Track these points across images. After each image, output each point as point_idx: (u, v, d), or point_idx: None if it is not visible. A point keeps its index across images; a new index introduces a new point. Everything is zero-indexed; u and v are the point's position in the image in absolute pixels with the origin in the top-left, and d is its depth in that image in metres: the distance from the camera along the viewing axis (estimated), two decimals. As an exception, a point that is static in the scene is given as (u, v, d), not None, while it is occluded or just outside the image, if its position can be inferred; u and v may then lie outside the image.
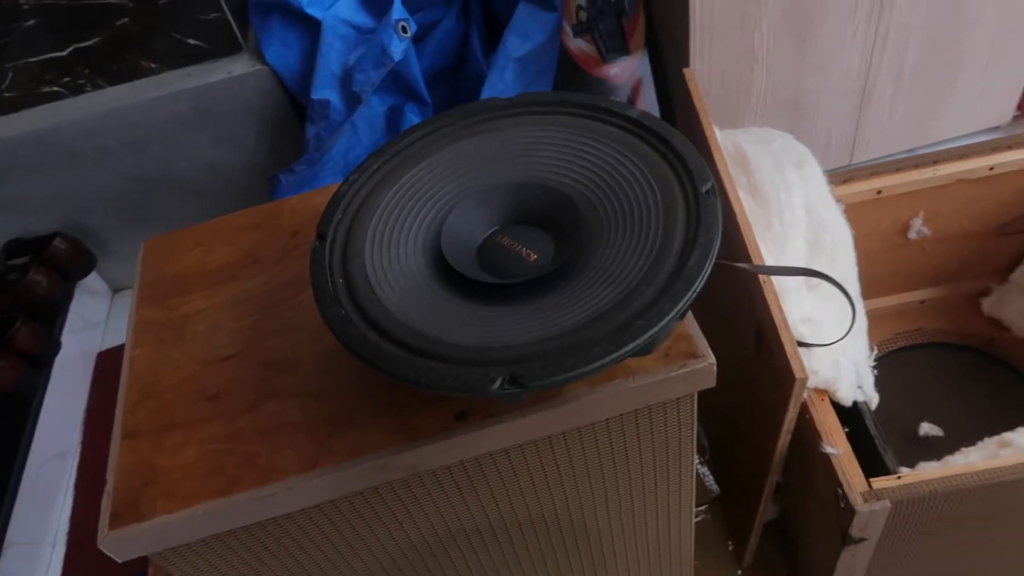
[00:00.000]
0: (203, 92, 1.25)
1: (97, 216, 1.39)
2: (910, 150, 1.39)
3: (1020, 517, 0.75)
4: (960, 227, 1.06)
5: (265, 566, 0.62)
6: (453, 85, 1.32)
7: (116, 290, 1.57)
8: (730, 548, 1.02)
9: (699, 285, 0.48)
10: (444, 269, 0.54)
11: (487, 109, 0.62)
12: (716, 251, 0.49)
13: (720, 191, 0.63)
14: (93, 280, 1.51)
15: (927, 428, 1.04)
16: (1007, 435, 0.75)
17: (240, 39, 1.25)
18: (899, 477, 0.73)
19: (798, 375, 0.68)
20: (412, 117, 1.23)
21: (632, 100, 1.40)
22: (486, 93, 1.22)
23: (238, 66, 1.25)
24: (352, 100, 1.14)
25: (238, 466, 0.56)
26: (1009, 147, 0.97)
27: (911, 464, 0.95)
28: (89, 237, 1.42)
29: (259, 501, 0.54)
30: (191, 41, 1.24)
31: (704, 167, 0.53)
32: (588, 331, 0.47)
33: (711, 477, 1.08)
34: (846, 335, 0.74)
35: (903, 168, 0.97)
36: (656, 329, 0.46)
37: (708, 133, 0.91)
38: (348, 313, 0.51)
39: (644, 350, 0.46)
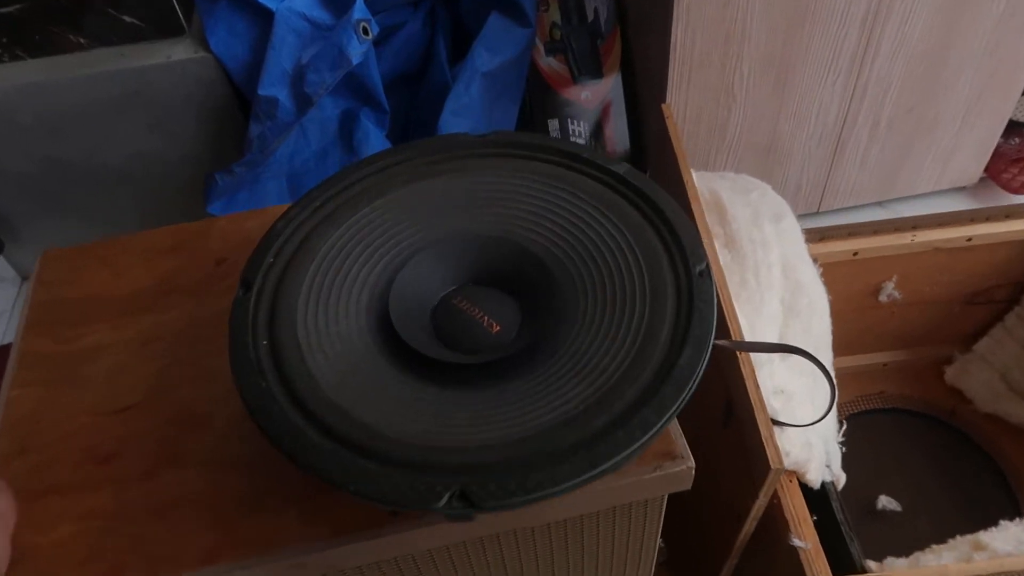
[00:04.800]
0: (137, 75, 1.14)
1: (6, 198, 1.26)
2: (879, 202, 1.36)
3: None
4: (931, 293, 1.02)
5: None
6: (414, 93, 1.23)
7: (26, 277, 1.43)
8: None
9: (690, 390, 0.40)
10: (390, 335, 0.46)
11: (455, 146, 0.54)
12: (711, 350, 0.42)
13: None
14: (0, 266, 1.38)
15: (885, 502, 1.00)
16: (982, 536, 0.71)
17: (183, 21, 1.14)
18: (866, 574, 0.67)
19: (774, 465, 0.62)
20: (367, 123, 1.14)
21: (601, 124, 1.33)
22: (450, 106, 1.14)
23: (178, 50, 1.14)
24: (303, 101, 1.04)
25: (123, 551, 0.47)
26: (987, 219, 0.94)
27: (870, 542, 0.90)
28: (-2, 220, 1.29)
29: (144, 598, 0.45)
30: (127, 19, 1.12)
31: (698, 242, 0.46)
32: (557, 438, 0.39)
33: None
34: (824, 416, 0.68)
35: (881, 231, 0.93)
36: (638, 445, 0.38)
37: (686, 178, 0.85)
38: (270, 386, 0.43)
39: (621, 465, 0.39)
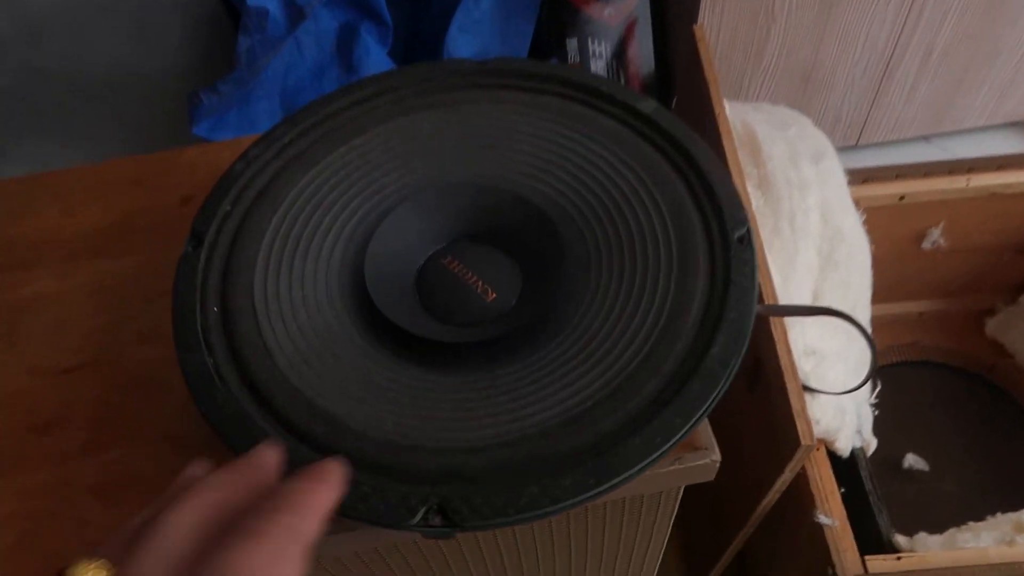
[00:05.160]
0: (117, -20, 1.04)
1: (-15, 112, 1.18)
2: (924, 136, 1.25)
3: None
4: (980, 240, 0.93)
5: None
6: (419, 6, 1.12)
7: None
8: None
9: (723, 388, 0.33)
10: (365, 302, 0.39)
11: (449, 74, 0.45)
12: (749, 335, 0.35)
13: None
14: (-16, 184, 1.31)
15: (912, 460, 0.94)
16: (1026, 517, 0.64)
17: (167, -80, 1.03)
18: (899, 557, 0.62)
19: (804, 441, 0.55)
20: (367, 39, 1.04)
21: (624, 45, 1.22)
22: (457, 21, 1.03)
23: (163, -47, 1.03)
24: (295, 13, 0.95)
25: (62, 538, 0.41)
26: (1053, 160, 0.84)
27: (894, 503, 0.84)
28: (-22, 136, 1.21)
29: (85, 593, 0.39)
30: (106, -84, 1.02)
31: (739, 202, 0.38)
32: (558, 441, 0.32)
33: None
34: (862, 385, 0.61)
35: (932, 173, 0.83)
36: (657, 455, 0.32)
37: (717, 109, 0.75)
38: (218, 363, 0.36)
39: (634, 478, 0.32)
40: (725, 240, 0.37)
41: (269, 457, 0.28)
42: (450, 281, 0.40)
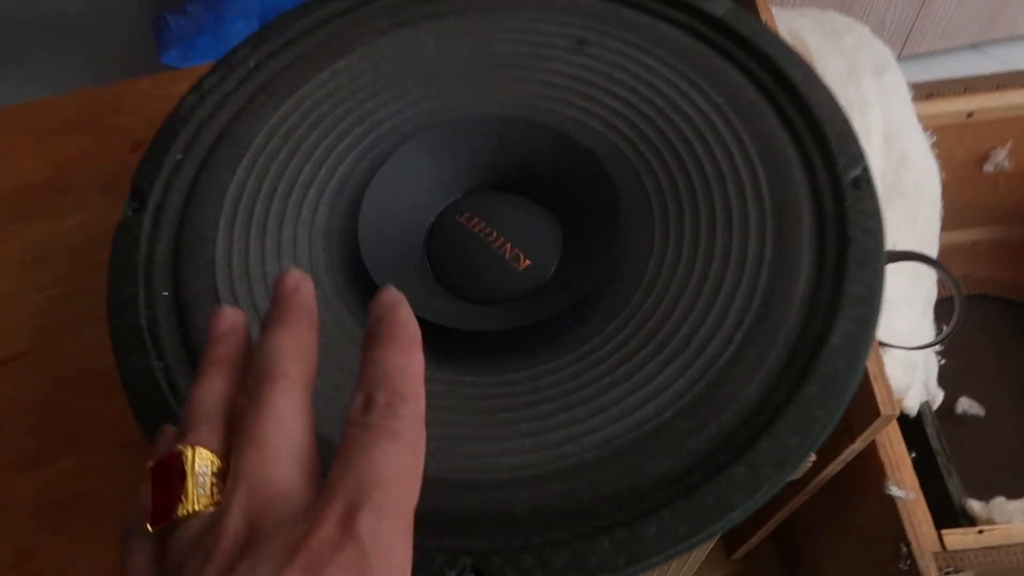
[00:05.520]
0: None
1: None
2: (973, 44, 1.14)
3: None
4: (1048, 161, 0.83)
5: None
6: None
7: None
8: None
9: (852, 389, 0.25)
10: (360, 277, 0.30)
11: (457, -28, 0.35)
12: (880, 316, 0.26)
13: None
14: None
15: (966, 405, 0.86)
16: (1125, 482, 0.57)
17: None
18: (980, 531, 0.54)
19: (885, 411, 0.47)
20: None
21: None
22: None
23: None
24: (270, -82, 0.83)
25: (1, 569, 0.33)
26: None
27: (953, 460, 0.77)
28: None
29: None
30: None
31: (850, 131, 0.29)
32: (633, 468, 0.24)
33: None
34: (945, 338, 0.53)
35: (1006, 86, 0.73)
36: (773, 485, 0.23)
37: (765, 16, 0.64)
38: (168, 367, 0.27)
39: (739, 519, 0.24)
40: (835, 184, 0.28)
41: (309, 292, 0.24)
42: (470, 245, 0.31)
